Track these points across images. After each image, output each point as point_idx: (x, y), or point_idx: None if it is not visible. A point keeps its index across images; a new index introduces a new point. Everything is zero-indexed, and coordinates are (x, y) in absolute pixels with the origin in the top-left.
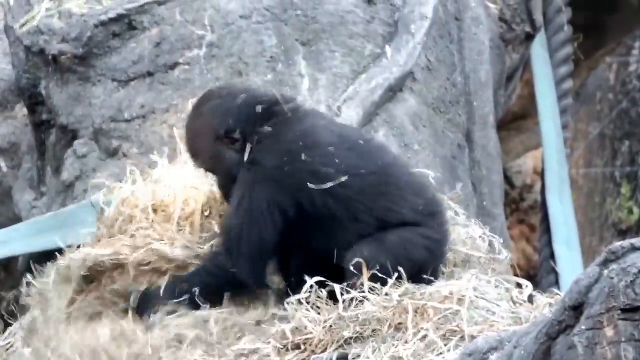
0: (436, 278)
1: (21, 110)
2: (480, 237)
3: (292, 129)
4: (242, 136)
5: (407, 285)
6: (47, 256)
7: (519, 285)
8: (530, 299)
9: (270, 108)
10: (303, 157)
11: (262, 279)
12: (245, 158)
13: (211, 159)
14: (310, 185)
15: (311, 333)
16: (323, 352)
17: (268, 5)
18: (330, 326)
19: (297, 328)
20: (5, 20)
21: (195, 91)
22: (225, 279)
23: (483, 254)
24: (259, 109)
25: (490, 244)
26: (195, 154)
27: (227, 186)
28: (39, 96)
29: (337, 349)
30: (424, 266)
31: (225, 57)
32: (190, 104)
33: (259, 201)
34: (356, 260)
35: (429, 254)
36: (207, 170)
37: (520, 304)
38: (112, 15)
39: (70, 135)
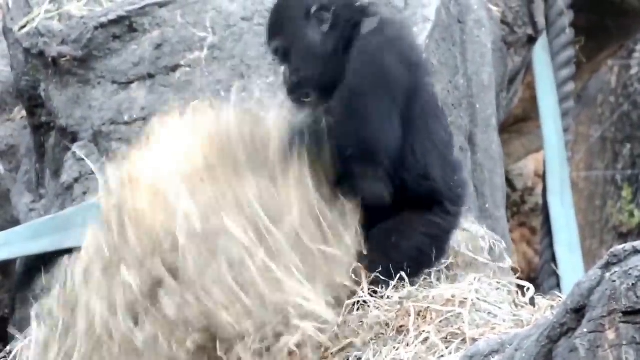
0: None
1: (20, 113)
2: (482, 238)
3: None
4: (333, 18)
5: (409, 288)
6: (45, 259)
7: (521, 288)
8: (532, 301)
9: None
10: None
11: None
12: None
13: (293, 35)
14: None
15: (317, 337)
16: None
17: (270, 7)
18: (336, 334)
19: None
20: (4, 22)
21: (196, 93)
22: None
23: (487, 259)
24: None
25: (492, 248)
26: (278, 28)
27: (299, 73)
28: (38, 98)
29: (339, 351)
30: (423, 254)
31: (226, 59)
32: (192, 106)
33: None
34: (354, 266)
35: (429, 239)
36: (283, 49)
37: (522, 307)
38: (112, 17)
39: (69, 137)
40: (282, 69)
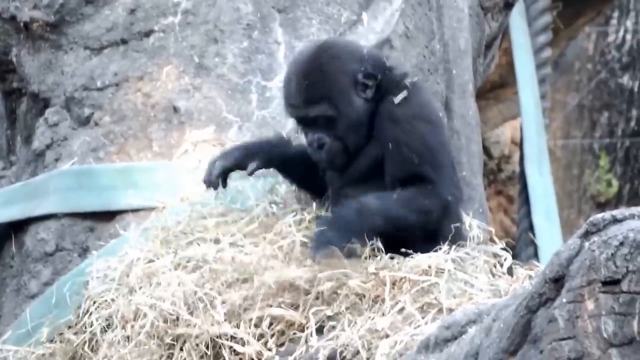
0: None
1: None
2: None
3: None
4: (374, 83)
5: (385, 257)
6: (15, 227)
7: (498, 257)
8: (510, 271)
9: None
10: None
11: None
12: (396, 100)
13: (343, 103)
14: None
15: (292, 317)
16: (302, 331)
17: None
18: (311, 305)
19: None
20: None
21: (169, 59)
22: (433, 204)
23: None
24: (387, 60)
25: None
26: (323, 95)
27: (345, 141)
28: (10, 64)
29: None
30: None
31: (200, 24)
32: (165, 72)
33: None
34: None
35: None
36: (327, 117)
37: (500, 276)
38: None
39: (41, 103)
40: (311, 134)
